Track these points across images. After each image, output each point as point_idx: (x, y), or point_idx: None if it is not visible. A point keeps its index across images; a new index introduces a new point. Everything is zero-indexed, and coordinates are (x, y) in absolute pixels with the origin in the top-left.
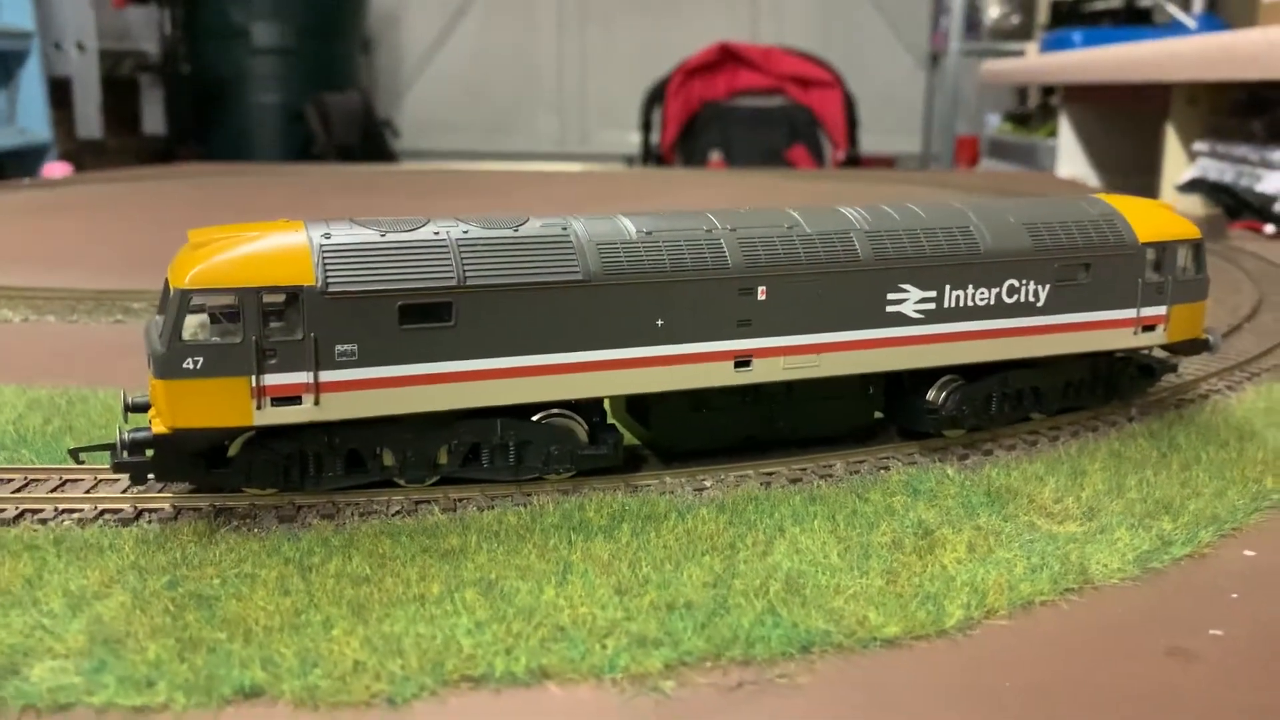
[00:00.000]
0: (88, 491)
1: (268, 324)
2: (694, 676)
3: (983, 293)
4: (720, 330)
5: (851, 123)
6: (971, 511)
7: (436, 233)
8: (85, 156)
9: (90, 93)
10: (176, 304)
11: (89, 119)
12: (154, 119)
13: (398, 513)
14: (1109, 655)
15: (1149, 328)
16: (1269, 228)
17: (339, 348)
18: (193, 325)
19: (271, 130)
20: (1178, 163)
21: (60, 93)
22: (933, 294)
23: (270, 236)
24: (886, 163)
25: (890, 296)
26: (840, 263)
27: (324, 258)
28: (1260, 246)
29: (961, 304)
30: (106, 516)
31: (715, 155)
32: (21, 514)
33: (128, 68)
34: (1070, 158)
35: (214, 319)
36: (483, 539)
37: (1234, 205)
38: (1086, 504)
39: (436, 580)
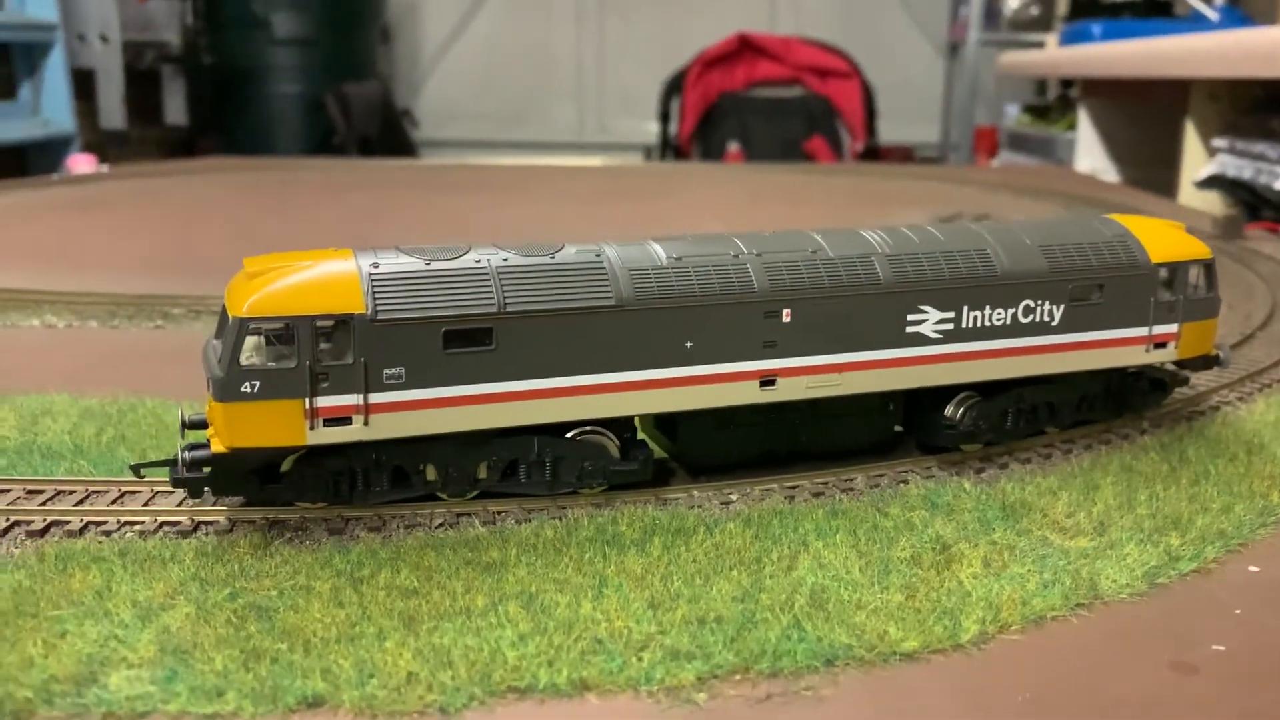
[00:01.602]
0: (146, 504)
1: (320, 349)
2: (725, 689)
3: (999, 313)
4: (746, 351)
5: (870, 113)
6: (987, 526)
7: (478, 260)
8: (109, 148)
9: (113, 84)
10: (235, 331)
11: (112, 110)
12: (176, 110)
13: (440, 525)
14: (1115, 668)
15: (1160, 345)
16: None
17: (387, 371)
18: (249, 350)
19: (292, 120)
20: (1197, 159)
21: (84, 84)
22: (951, 315)
23: (321, 265)
24: (905, 152)
25: (910, 317)
26: (862, 285)
27: (373, 286)
28: (1277, 248)
29: (979, 324)
30: (166, 529)
31: (733, 146)
32: (86, 526)
33: (150, 59)
34: (1089, 151)
35: (269, 342)
36: (522, 552)
37: (1253, 202)
38: (1098, 519)
39: (480, 593)
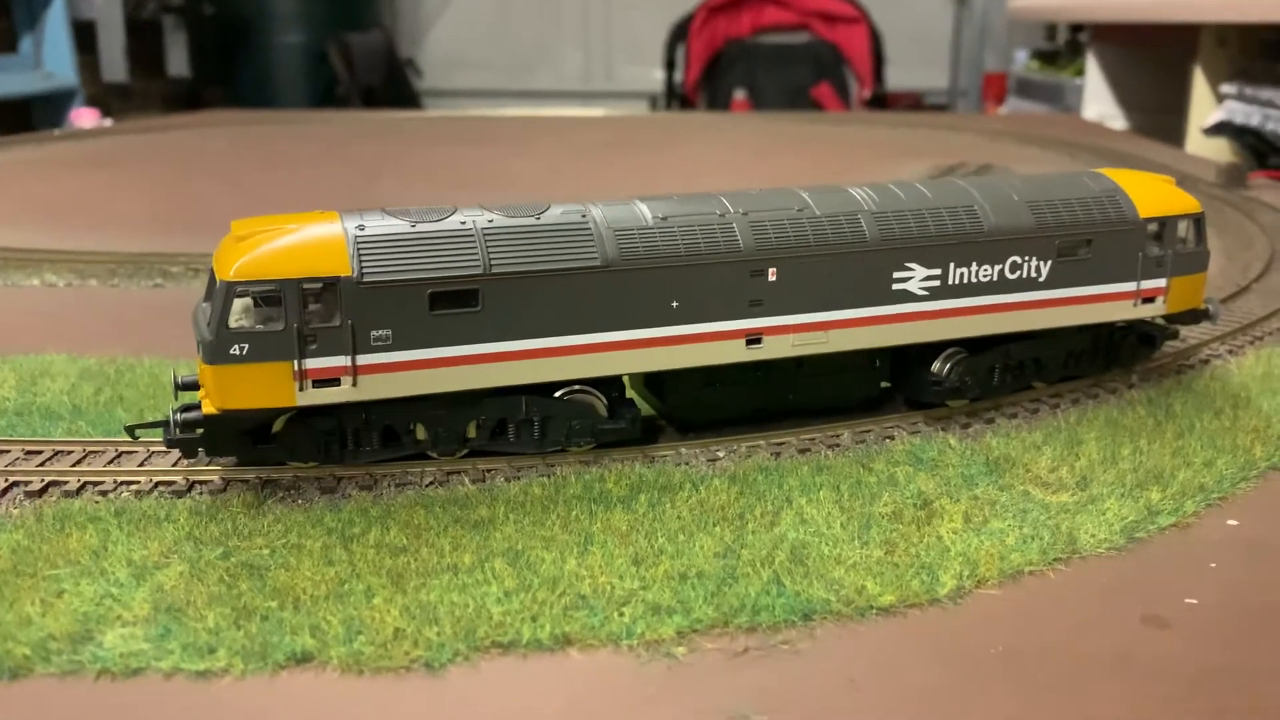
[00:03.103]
0: (142, 464)
1: (308, 312)
2: (703, 643)
3: (986, 269)
4: (733, 310)
5: (878, 59)
6: (970, 481)
7: (463, 222)
8: (111, 100)
9: (115, 36)
10: (223, 295)
11: (114, 62)
12: (178, 61)
13: (431, 483)
14: (1089, 623)
15: (1149, 299)
16: None
17: (374, 333)
18: (238, 313)
19: (295, 71)
20: (1205, 105)
21: (85, 36)
22: (937, 272)
23: (308, 228)
24: (913, 98)
25: (896, 275)
26: (848, 243)
27: (359, 249)
28: (1279, 198)
29: (965, 280)
30: (161, 489)
31: (739, 94)
32: (83, 486)
33: (151, 10)
34: (1097, 97)
35: (257, 304)
36: (510, 510)
37: (1261, 148)
38: (1080, 473)
39: (468, 550)
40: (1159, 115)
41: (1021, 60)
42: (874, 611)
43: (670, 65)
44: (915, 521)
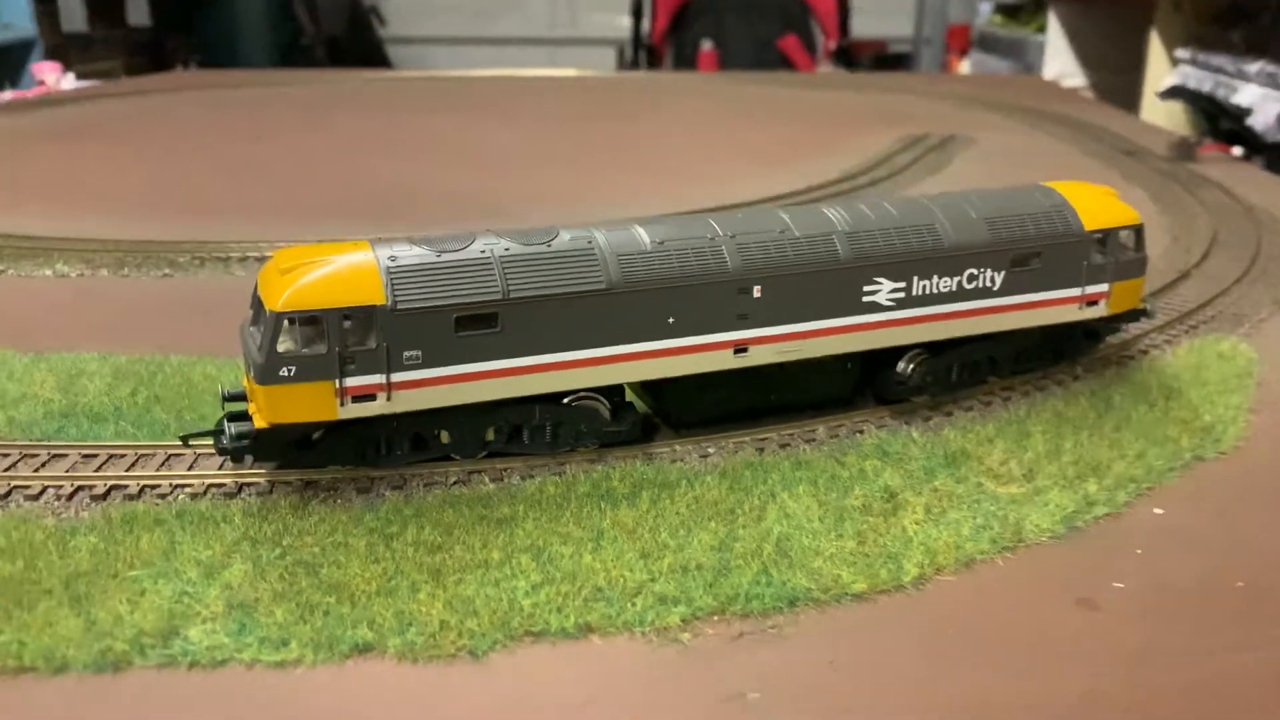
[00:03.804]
0: (190, 468)
1: (347, 337)
2: (705, 629)
3: (945, 281)
4: (722, 323)
5: (844, 10)
6: (931, 474)
7: (483, 251)
8: (71, 51)
9: None
10: (272, 324)
11: (73, 12)
12: (139, 10)
13: (455, 483)
14: (1030, 605)
15: (1092, 302)
16: (1236, 150)
17: (406, 353)
18: (285, 339)
19: (258, 19)
20: (1160, 69)
21: None
22: (902, 284)
23: (345, 259)
24: (879, 46)
25: (866, 288)
26: (823, 262)
27: (392, 279)
28: (1225, 172)
29: (927, 291)
30: (213, 491)
31: (706, 45)
32: (142, 490)
33: None
34: (1057, 54)
35: (303, 332)
36: (529, 508)
37: (1213, 113)
38: (1027, 465)
39: (495, 547)
40: (1118, 74)
41: (985, 12)
42: (848, 598)
43: (637, 14)
44: (883, 514)
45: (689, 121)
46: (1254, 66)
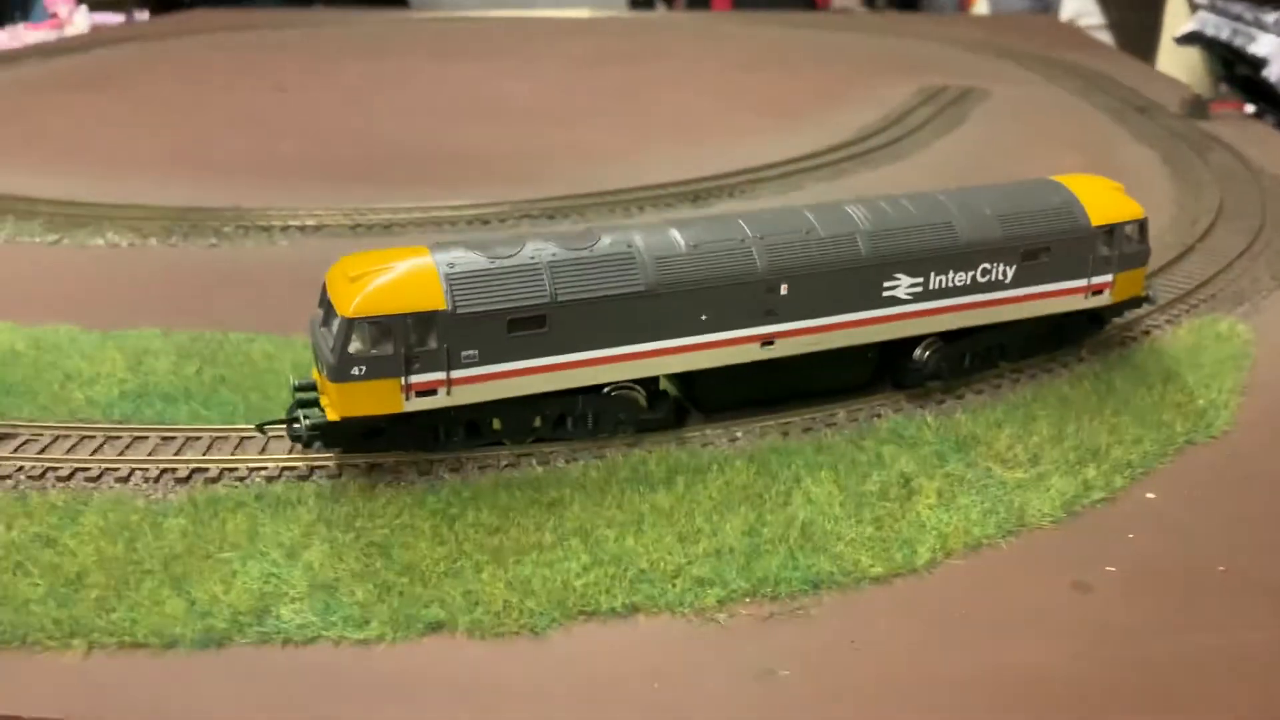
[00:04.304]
0: (262, 451)
1: (411, 338)
2: (739, 609)
3: (960, 275)
4: (750, 320)
5: None
6: (943, 458)
7: (532, 257)
8: None
9: None
10: (344, 329)
11: None
12: None
13: (506, 466)
14: (1030, 587)
15: (1097, 292)
16: (1249, 107)
17: (464, 352)
18: (356, 342)
19: None
20: (1179, 14)
21: None
22: (920, 279)
23: (407, 265)
24: None
25: (886, 284)
26: (846, 260)
27: (451, 285)
28: (1236, 132)
29: (944, 285)
30: (286, 474)
31: None
32: (221, 473)
33: None
34: None
35: (372, 335)
36: (575, 491)
37: (1230, 59)
38: (1032, 450)
39: (547, 529)
40: (1136, 12)
41: None
42: (867, 581)
43: None
44: (899, 499)
45: (701, 71)
46: (1272, 16)
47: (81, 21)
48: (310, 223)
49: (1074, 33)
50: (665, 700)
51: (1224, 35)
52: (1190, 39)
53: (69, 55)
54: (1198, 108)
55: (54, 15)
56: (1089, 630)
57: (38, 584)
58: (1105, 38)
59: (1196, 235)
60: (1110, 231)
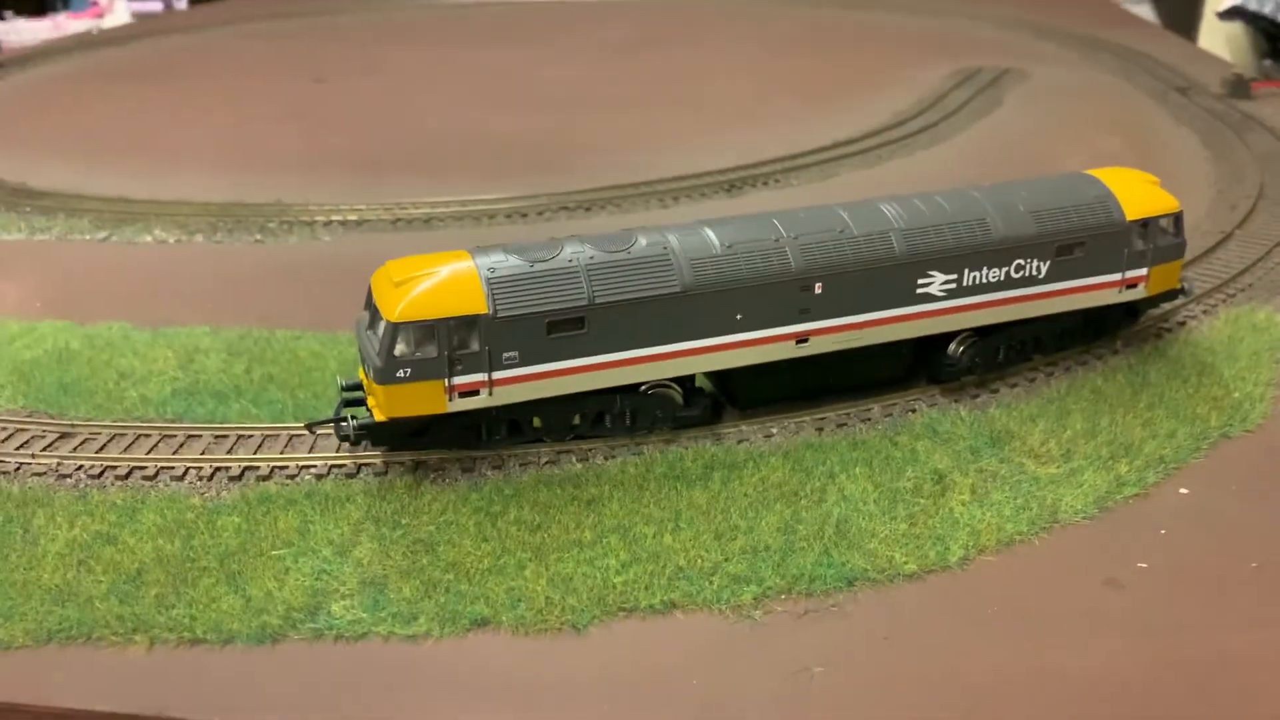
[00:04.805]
0: (311, 449)
1: (454, 342)
2: (774, 606)
3: (995, 271)
4: (785, 318)
5: None
6: (977, 454)
7: (570, 260)
8: None
9: None
10: (390, 333)
11: None
12: None
13: (547, 463)
14: (1063, 584)
15: (1132, 285)
16: None
17: (505, 354)
18: (401, 346)
19: None
20: None
21: None
22: (954, 276)
23: (449, 269)
24: None
25: (920, 281)
26: (880, 259)
27: (492, 289)
28: (1278, 112)
29: (977, 282)
30: (335, 472)
31: None
32: (272, 471)
33: None
34: None
35: (416, 339)
36: (613, 488)
37: (1275, 34)
38: (1065, 446)
39: (587, 527)
40: None
41: None
42: (901, 578)
43: None
44: (932, 495)
45: (736, 54)
46: None
47: (122, 10)
48: (352, 217)
49: (1114, 9)
50: (703, 696)
51: (1268, 9)
52: (1233, 14)
53: (110, 48)
54: (1239, 87)
55: (95, 4)
56: (1122, 628)
57: (100, 581)
58: (1147, 13)
59: (1235, 221)
60: (1145, 225)
